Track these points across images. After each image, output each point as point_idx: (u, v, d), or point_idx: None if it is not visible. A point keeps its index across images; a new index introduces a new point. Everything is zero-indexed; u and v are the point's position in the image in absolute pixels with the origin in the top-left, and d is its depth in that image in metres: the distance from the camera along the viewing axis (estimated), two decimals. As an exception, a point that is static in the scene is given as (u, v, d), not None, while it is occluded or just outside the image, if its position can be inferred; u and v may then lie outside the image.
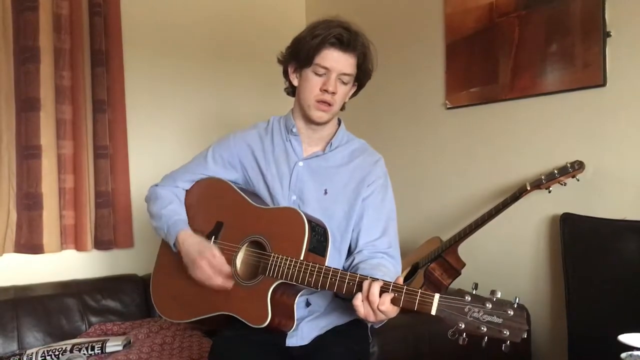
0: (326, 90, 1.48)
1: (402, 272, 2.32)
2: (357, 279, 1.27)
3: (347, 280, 1.28)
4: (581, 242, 1.95)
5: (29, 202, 2.49)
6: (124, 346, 2.17)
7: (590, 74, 1.95)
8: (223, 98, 3.09)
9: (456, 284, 2.16)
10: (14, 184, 2.50)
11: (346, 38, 1.46)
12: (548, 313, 2.12)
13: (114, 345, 2.16)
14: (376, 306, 1.21)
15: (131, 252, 2.77)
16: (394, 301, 1.21)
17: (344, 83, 1.50)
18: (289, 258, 1.36)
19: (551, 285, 2.12)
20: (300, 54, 1.50)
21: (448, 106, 2.51)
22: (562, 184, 1.94)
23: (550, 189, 1.96)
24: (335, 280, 1.30)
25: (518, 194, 1.99)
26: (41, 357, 2.10)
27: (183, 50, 2.97)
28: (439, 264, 2.14)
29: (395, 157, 2.73)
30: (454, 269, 2.14)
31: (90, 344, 2.15)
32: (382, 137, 2.81)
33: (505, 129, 2.27)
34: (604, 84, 1.92)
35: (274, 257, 1.39)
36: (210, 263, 1.45)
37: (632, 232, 1.82)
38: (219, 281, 1.44)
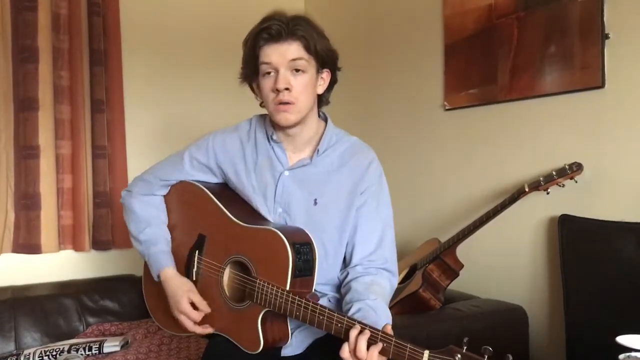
0: (277, 90, 1.34)
1: (400, 274, 2.32)
2: (344, 323, 1.21)
3: (335, 321, 1.22)
4: (579, 244, 1.95)
5: (27, 202, 2.49)
6: (122, 346, 2.17)
7: (588, 75, 1.95)
8: (222, 98, 3.08)
9: (454, 286, 2.16)
10: (12, 184, 2.50)
11: (275, 28, 1.33)
12: (546, 314, 2.12)
13: (111, 345, 2.15)
14: None
15: (129, 252, 2.76)
16: (382, 352, 1.15)
17: (300, 70, 1.36)
18: (275, 287, 1.31)
19: (549, 286, 2.12)
20: (248, 68, 1.42)
21: (447, 107, 2.51)
22: (560, 186, 1.94)
23: (549, 190, 1.96)
24: (323, 319, 1.24)
25: (516, 195, 1.99)
26: (39, 357, 2.10)
27: (182, 50, 2.97)
28: (437, 265, 2.13)
29: (394, 158, 2.74)
30: (453, 270, 2.14)
31: (88, 345, 2.15)
32: (380, 138, 2.81)
33: (503, 131, 2.27)
34: (602, 86, 1.92)
35: (259, 284, 1.34)
36: (188, 317, 1.46)
37: (630, 234, 1.82)
38: (197, 331, 1.47)
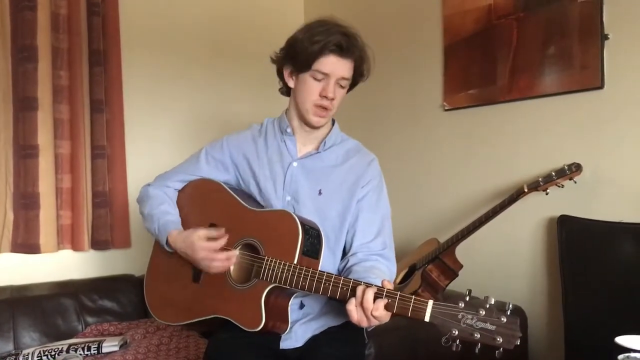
0: (325, 97, 1.49)
1: (399, 274, 2.32)
2: (350, 284, 1.27)
3: (340, 285, 1.28)
4: (578, 244, 1.95)
5: (25, 202, 2.49)
6: (121, 346, 2.17)
7: (588, 76, 1.95)
8: (221, 98, 3.08)
9: (453, 286, 2.16)
10: (10, 184, 2.49)
11: (345, 44, 1.47)
12: (545, 314, 2.13)
13: (110, 345, 2.15)
14: (370, 312, 1.21)
15: (128, 252, 2.77)
16: (387, 307, 1.21)
17: (342, 87, 1.53)
18: (283, 262, 1.36)
19: (548, 287, 2.12)
20: (297, 58, 1.49)
21: (446, 108, 2.51)
22: (559, 186, 1.95)
23: (548, 191, 1.96)
24: (329, 285, 1.30)
25: (515, 195, 1.99)
26: (37, 357, 2.09)
27: (181, 50, 2.97)
28: (436, 266, 2.13)
29: (393, 159, 2.74)
30: (452, 271, 2.14)
31: (87, 344, 2.14)
32: (380, 139, 2.81)
33: (503, 131, 2.27)
34: (601, 87, 1.92)
35: (267, 260, 1.39)
36: (208, 236, 1.46)
37: (628, 234, 1.82)
38: (219, 261, 1.44)
